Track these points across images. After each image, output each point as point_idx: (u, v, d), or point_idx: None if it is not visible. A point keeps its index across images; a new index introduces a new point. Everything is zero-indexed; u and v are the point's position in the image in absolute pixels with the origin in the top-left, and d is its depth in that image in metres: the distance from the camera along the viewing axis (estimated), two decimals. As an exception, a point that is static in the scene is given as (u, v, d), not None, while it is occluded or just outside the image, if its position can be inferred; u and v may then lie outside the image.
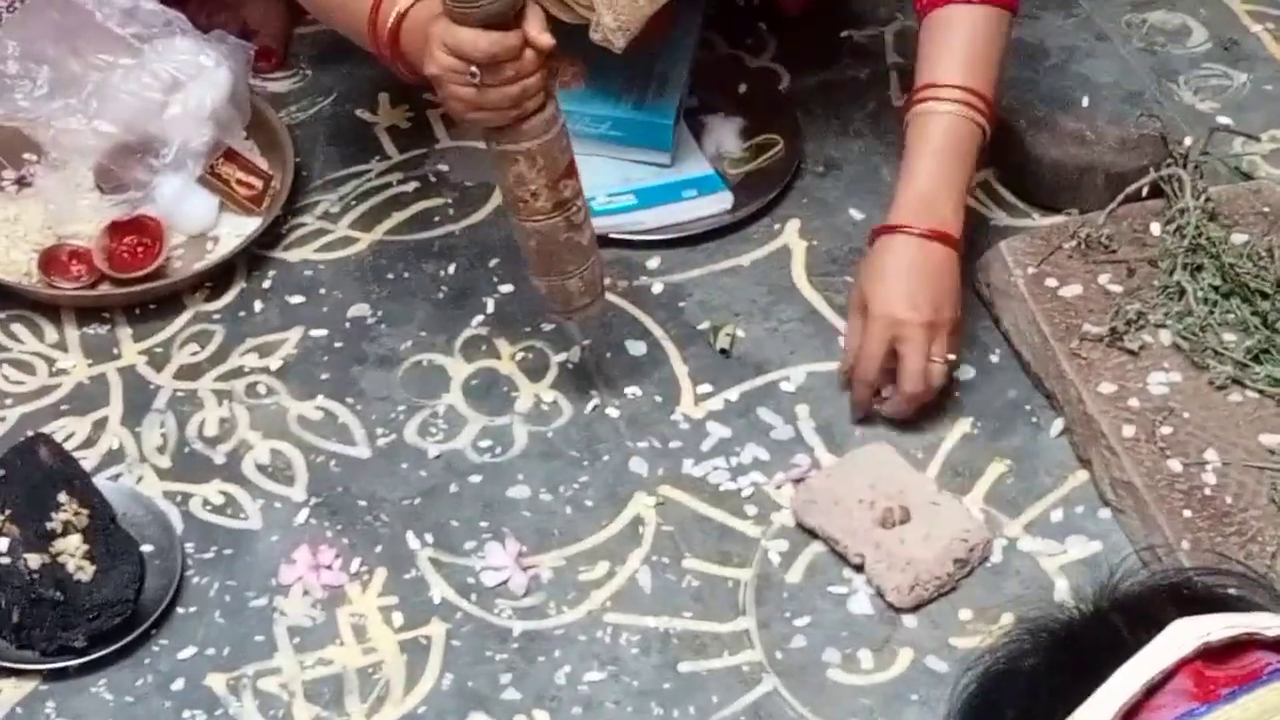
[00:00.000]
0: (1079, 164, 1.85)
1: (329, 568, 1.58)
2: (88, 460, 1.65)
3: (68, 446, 1.63)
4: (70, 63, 1.84)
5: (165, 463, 1.67)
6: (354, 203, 1.91)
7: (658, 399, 1.72)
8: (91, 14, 1.85)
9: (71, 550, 1.51)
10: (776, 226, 1.89)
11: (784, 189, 1.91)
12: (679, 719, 1.48)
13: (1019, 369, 1.74)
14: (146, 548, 1.57)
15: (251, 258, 1.84)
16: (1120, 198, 1.77)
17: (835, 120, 2.00)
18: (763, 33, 2.10)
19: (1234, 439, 1.59)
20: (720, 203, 1.89)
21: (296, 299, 1.82)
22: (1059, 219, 1.84)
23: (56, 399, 1.72)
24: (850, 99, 2.02)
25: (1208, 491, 1.55)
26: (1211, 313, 1.68)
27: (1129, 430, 1.60)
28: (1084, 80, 2.05)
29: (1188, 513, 1.53)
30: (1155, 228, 1.76)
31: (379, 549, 1.60)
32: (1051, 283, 1.72)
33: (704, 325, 1.78)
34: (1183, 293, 1.69)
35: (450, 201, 1.91)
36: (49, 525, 1.52)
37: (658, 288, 1.82)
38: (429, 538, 1.61)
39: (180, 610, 1.55)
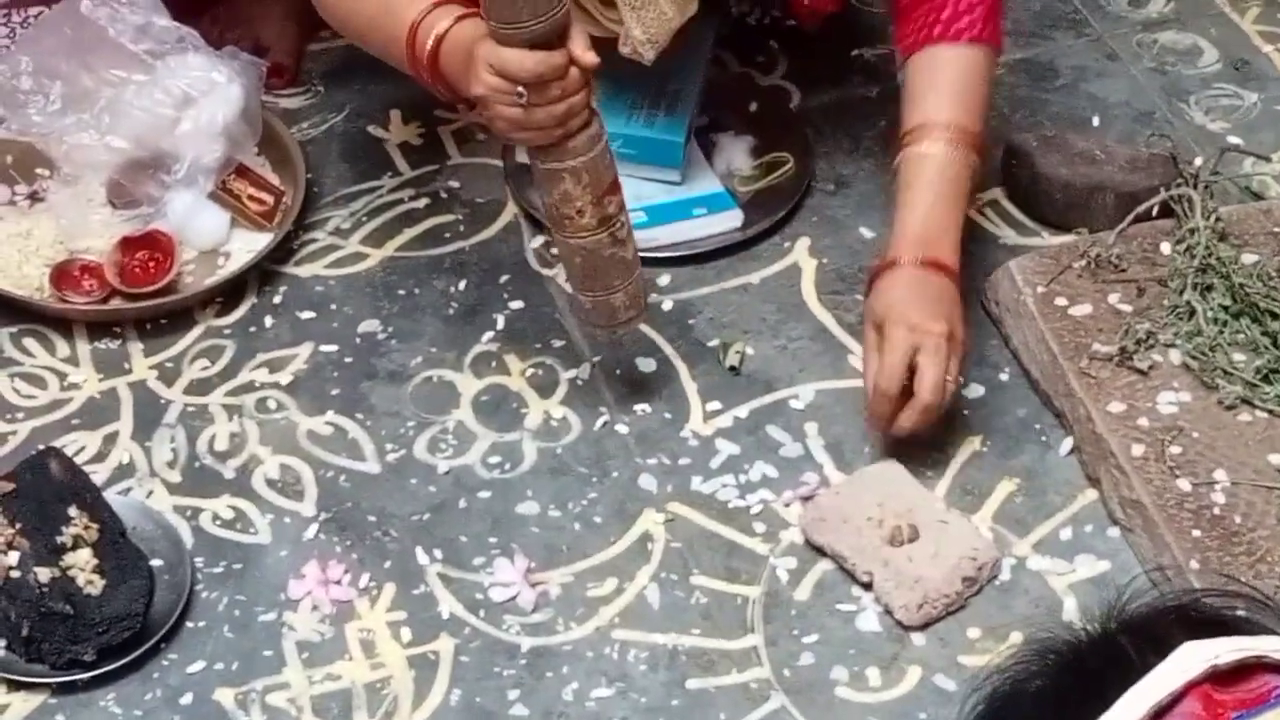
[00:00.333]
0: (1089, 183, 1.85)
1: (338, 583, 1.58)
2: (98, 474, 1.65)
3: (78, 461, 1.64)
4: (83, 78, 1.85)
5: (175, 477, 1.67)
6: (365, 219, 1.92)
7: (667, 416, 1.72)
8: (104, 30, 1.85)
9: (81, 564, 1.51)
10: (786, 244, 1.89)
11: (794, 207, 1.91)
12: (687, 736, 1.48)
13: (1028, 388, 1.74)
14: (156, 562, 1.58)
15: (263, 273, 1.85)
16: (1130, 217, 1.78)
17: (846, 138, 2.00)
18: (774, 51, 2.10)
19: (1243, 459, 1.59)
20: (730, 220, 1.89)
21: (307, 314, 1.82)
22: (1069, 238, 1.84)
23: (67, 413, 1.73)
24: (861, 117, 2.02)
25: (1217, 511, 1.55)
26: (1221, 332, 1.68)
27: (1138, 449, 1.60)
28: (1094, 100, 2.05)
29: (1196, 532, 1.53)
30: (1165, 247, 1.76)
31: (388, 564, 1.60)
32: (1061, 301, 1.72)
33: (714, 342, 1.78)
34: (1193, 312, 1.69)
35: (461, 218, 1.92)
36: (59, 539, 1.52)
37: (668, 305, 1.82)
38: (438, 553, 1.61)
39: (189, 624, 1.55)
